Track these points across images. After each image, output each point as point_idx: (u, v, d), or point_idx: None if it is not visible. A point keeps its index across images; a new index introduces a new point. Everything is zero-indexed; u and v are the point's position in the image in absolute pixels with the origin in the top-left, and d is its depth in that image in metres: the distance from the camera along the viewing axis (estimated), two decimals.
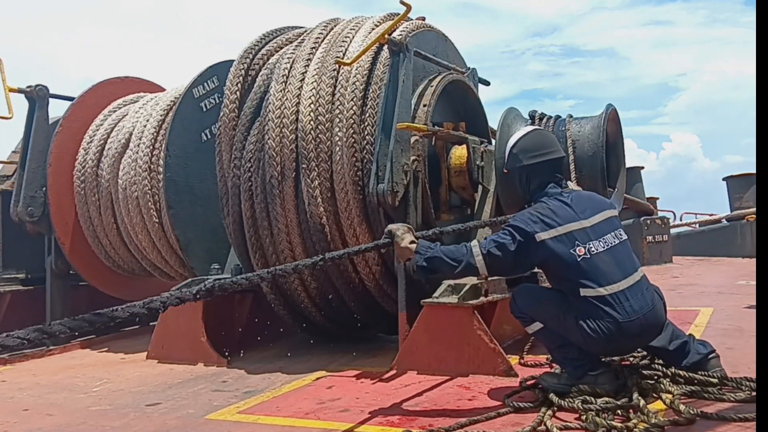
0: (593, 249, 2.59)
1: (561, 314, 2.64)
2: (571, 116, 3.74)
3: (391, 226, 2.77)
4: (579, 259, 2.56)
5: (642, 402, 2.40)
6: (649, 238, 9.41)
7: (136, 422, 2.84)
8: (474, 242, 2.66)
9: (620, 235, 2.70)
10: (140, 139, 4.98)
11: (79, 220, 5.29)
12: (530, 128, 2.95)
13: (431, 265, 2.63)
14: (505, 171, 3.00)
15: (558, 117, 3.77)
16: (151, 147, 4.90)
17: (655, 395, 2.55)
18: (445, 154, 4.04)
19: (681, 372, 2.65)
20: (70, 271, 5.36)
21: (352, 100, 3.72)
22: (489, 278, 3.20)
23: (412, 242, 2.68)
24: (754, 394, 2.43)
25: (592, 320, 2.55)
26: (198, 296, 1.79)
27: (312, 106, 3.76)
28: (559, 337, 2.70)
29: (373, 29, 4.02)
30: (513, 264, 2.64)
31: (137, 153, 4.94)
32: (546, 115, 3.88)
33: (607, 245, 2.62)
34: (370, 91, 3.74)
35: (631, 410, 2.41)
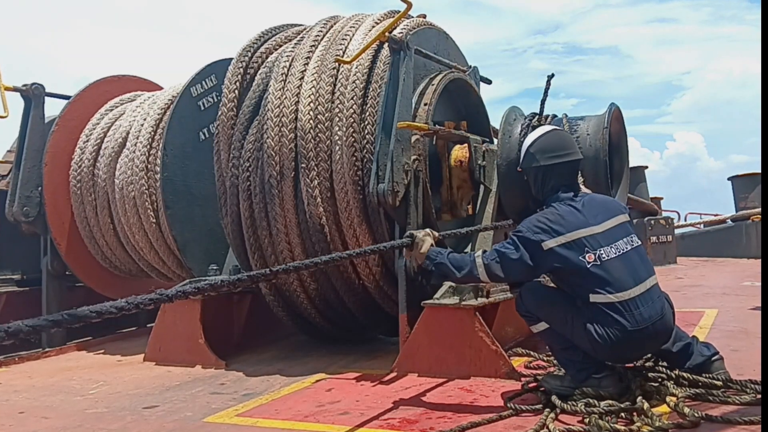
0: (604, 255, 2.56)
1: (569, 318, 2.62)
2: (566, 115, 3.70)
3: (413, 231, 2.95)
4: (589, 266, 2.54)
5: (646, 405, 2.39)
6: (653, 238, 9.39)
7: (133, 425, 2.81)
8: (478, 252, 2.72)
9: (632, 240, 2.67)
10: (137, 138, 4.94)
11: (75, 221, 5.25)
12: (549, 128, 2.89)
13: (438, 270, 2.78)
14: (519, 169, 2.98)
15: (554, 116, 3.72)
16: (148, 146, 4.86)
17: (659, 398, 2.53)
18: (446, 154, 4.01)
19: (685, 374, 2.64)
20: (66, 272, 5.32)
21: (352, 98, 3.68)
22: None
23: (428, 247, 2.83)
24: (759, 396, 2.42)
25: (600, 326, 2.53)
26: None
27: (311, 104, 3.72)
28: (564, 338, 2.68)
29: (373, 27, 3.99)
30: (517, 273, 2.69)
31: (134, 152, 4.89)
32: (542, 116, 3.80)
33: (620, 251, 2.59)
34: (371, 89, 3.71)
35: (634, 413, 2.40)
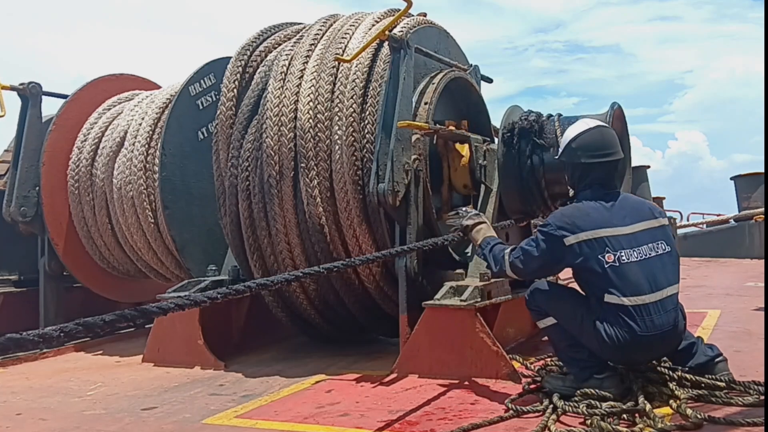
0: (624, 258, 2.56)
1: (579, 316, 2.63)
2: (560, 115, 3.69)
3: (466, 221, 3.10)
4: (607, 266, 2.55)
5: (648, 406, 2.38)
6: None
7: (132, 427, 2.79)
8: (509, 249, 2.82)
9: (658, 247, 2.64)
10: (135, 137, 4.91)
11: (72, 221, 5.22)
12: (593, 123, 2.85)
13: (485, 260, 2.96)
14: (556, 158, 3.00)
15: (549, 116, 3.70)
16: (146, 146, 4.84)
17: (661, 399, 2.52)
18: (446, 153, 3.99)
19: (688, 375, 2.63)
20: (64, 273, 5.30)
21: (351, 97, 3.66)
22: None
23: (482, 237, 3.00)
24: (762, 397, 2.41)
25: (610, 326, 2.54)
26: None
27: (311, 103, 3.70)
28: (570, 335, 2.69)
29: (373, 25, 3.97)
30: (538, 270, 2.81)
31: (132, 152, 4.87)
32: (538, 116, 3.76)
33: (641, 256, 2.59)
34: (371, 88, 3.69)
35: (637, 415, 2.39)
